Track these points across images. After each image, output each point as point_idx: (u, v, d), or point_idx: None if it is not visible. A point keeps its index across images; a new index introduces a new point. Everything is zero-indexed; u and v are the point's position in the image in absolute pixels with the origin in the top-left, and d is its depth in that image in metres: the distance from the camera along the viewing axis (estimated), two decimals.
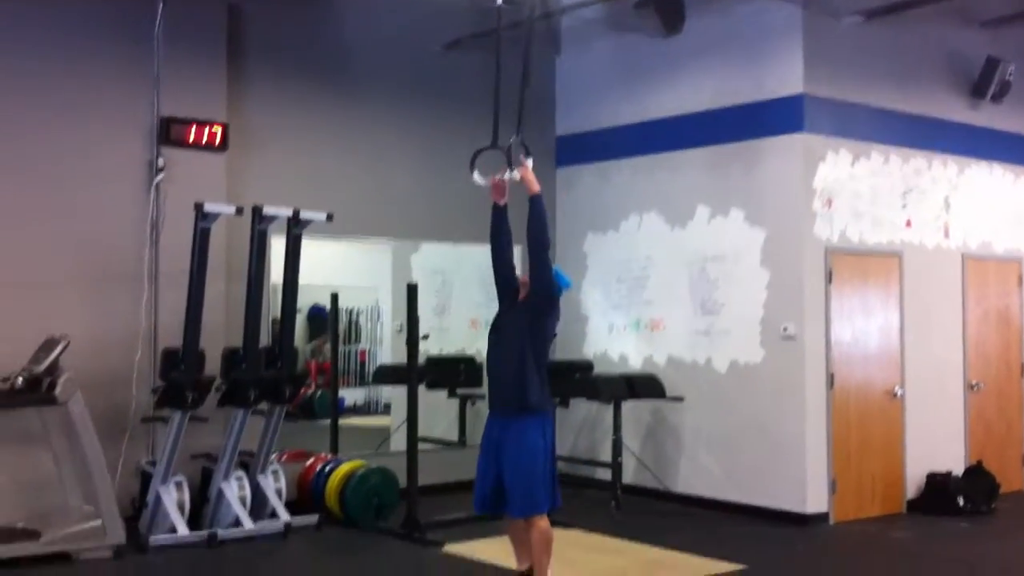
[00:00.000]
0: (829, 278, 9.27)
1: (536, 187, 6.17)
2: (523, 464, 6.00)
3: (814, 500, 9.06)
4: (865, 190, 9.62)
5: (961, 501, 9.64)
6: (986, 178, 10.78)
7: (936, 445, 10.04)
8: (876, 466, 9.57)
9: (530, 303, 6.17)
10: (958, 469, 10.06)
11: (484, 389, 10.55)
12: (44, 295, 8.19)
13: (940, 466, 9.91)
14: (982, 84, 10.44)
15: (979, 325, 10.60)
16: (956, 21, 10.32)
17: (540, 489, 6.04)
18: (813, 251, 9.21)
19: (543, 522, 6.12)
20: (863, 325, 9.57)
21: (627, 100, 10.68)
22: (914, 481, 9.84)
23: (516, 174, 6.24)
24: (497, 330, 6.28)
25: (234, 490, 8.29)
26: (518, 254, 6.73)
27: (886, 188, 9.80)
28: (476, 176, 6.30)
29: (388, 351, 12.49)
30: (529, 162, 6.28)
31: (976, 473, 10.03)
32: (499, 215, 6.31)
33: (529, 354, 6.04)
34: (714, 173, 9.87)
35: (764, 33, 9.47)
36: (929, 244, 10.17)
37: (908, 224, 9.99)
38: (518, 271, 6.39)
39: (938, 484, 9.77)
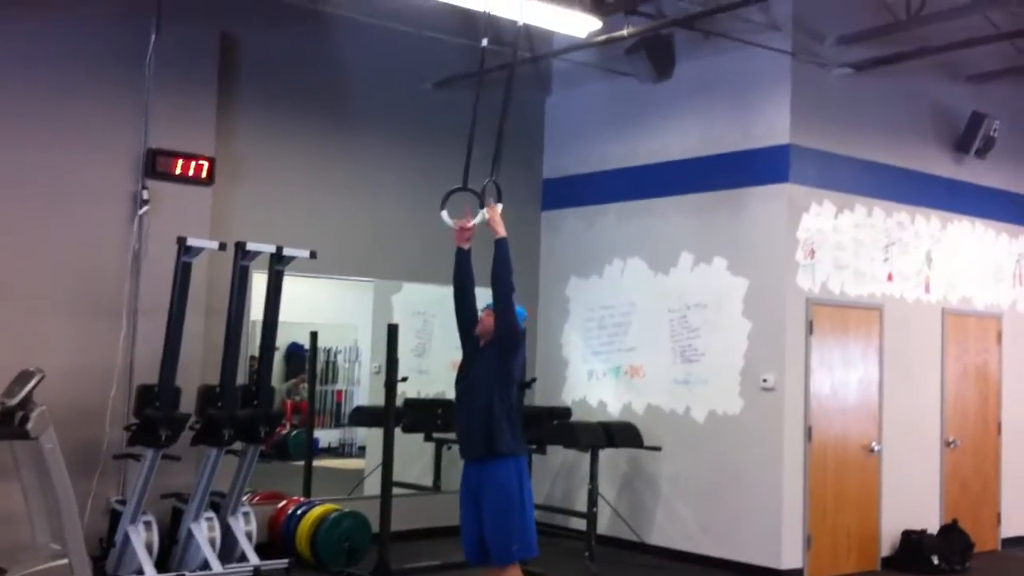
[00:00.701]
0: (810, 329, 9.26)
1: (502, 231, 6.07)
2: (499, 512, 5.88)
3: (789, 555, 9.00)
4: (848, 242, 9.63)
5: (936, 560, 9.61)
6: (968, 234, 10.82)
7: (912, 502, 10.02)
8: (852, 522, 9.53)
9: (495, 347, 6.04)
10: (933, 527, 10.03)
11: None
12: (20, 326, 8.07)
13: (915, 523, 9.88)
14: (967, 139, 10.51)
15: (958, 381, 10.60)
16: (943, 76, 10.42)
17: (515, 537, 5.93)
18: (795, 302, 9.20)
19: (515, 571, 6.01)
20: (842, 378, 9.55)
21: (614, 144, 10.69)
22: (889, 538, 9.80)
23: (485, 214, 6.11)
24: (463, 379, 6.13)
25: (204, 531, 8.13)
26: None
27: (869, 241, 9.82)
28: (444, 216, 6.19)
29: (365, 392, 12.37)
30: (498, 206, 6.18)
31: (951, 531, 10.00)
32: (463, 258, 6.19)
33: (497, 399, 5.92)
34: (699, 220, 9.87)
35: (753, 81, 9.51)
36: (910, 298, 10.19)
37: (890, 277, 10.00)
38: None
39: (913, 542, 9.73)
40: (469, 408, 6.00)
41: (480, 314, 6.13)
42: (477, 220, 6.07)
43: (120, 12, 8.61)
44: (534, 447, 9.82)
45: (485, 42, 6.74)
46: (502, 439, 5.89)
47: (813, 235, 9.34)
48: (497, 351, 6.00)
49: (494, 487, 5.89)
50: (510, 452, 5.93)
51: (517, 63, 6.66)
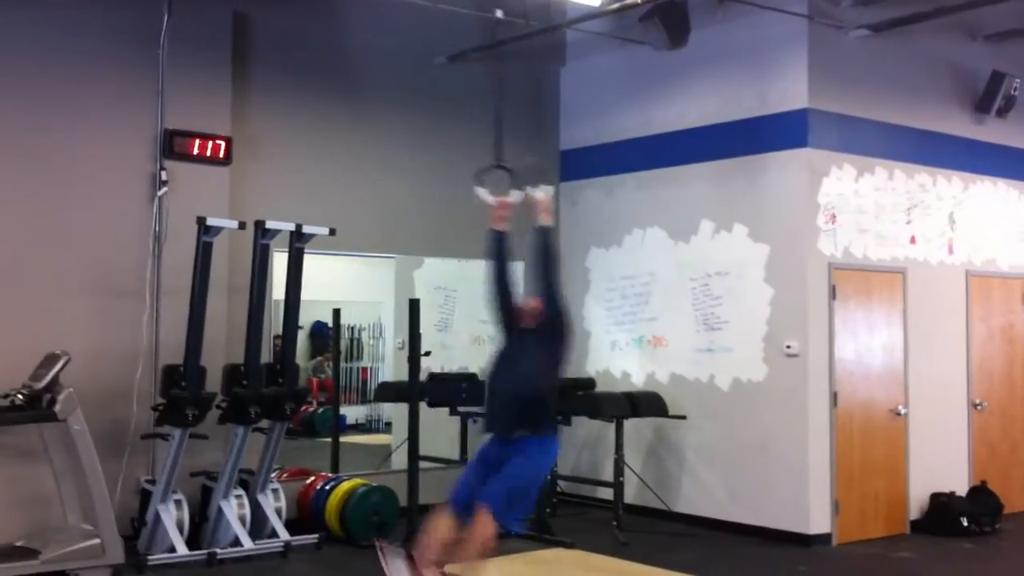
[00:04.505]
0: (833, 294, 9.22)
1: (549, 219, 5.92)
2: (522, 472, 5.69)
3: (817, 521, 9.00)
4: (869, 206, 9.58)
5: (965, 522, 9.58)
6: (991, 194, 10.73)
7: (940, 465, 9.98)
8: (879, 486, 9.51)
9: (545, 331, 5.90)
10: (962, 489, 10.00)
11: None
12: (45, 310, 8.15)
13: (944, 486, 9.85)
14: (987, 99, 10.40)
15: (983, 343, 10.54)
16: (961, 36, 10.32)
17: (519, 502, 5.73)
18: (817, 267, 9.17)
19: (490, 524, 5.53)
20: (867, 342, 9.51)
21: (631, 114, 10.65)
22: (917, 501, 9.78)
23: (535, 194, 5.94)
24: (505, 358, 5.99)
25: (233, 509, 8.22)
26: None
27: (890, 204, 9.75)
28: (483, 192, 6.03)
29: (390, 368, 12.42)
30: (549, 189, 6.02)
31: (980, 493, 9.99)
32: (499, 241, 6.01)
33: (546, 380, 5.85)
34: (718, 188, 9.83)
35: (769, 46, 9.44)
36: (933, 260, 10.13)
37: (912, 240, 9.95)
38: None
39: (942, 504, 9.71)
40: (512, 384, 5.86)
41: (525, 300, 6.00)
42: (518, 199, 5.95)
43: None
44: (560, 419, 9.83)
45: (500, 13, 6.68)
46: (547, 420, 5.85)
47: (834, 199, 9.29)
48: (547, 335, 5.90)
49: (525, 455, 5.72)
50: (553, 432, 5.87)
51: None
